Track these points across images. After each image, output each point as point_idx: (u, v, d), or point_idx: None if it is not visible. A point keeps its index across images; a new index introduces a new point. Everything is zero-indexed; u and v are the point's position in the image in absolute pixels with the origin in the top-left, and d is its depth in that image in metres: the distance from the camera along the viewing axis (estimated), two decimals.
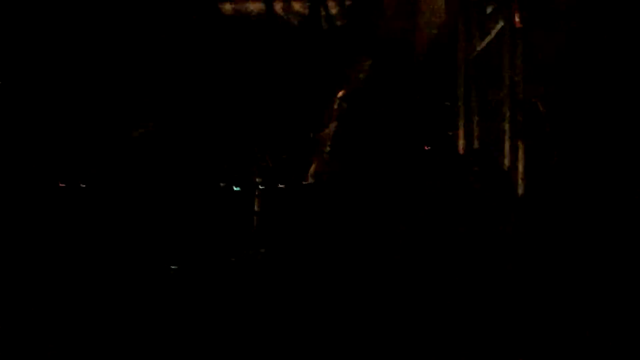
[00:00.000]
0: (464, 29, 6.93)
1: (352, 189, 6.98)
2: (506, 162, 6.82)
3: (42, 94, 7.85)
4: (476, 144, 6.96)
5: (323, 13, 9.40)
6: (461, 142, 6.91)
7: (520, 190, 6.78)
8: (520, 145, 6.86)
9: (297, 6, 9.57)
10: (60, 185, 7.20)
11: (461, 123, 6.93)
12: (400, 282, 6.32)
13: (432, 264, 6.49)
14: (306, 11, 9.40)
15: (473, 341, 5.88)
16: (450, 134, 7.18)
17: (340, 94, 7.61)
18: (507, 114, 6.86)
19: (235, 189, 7.54)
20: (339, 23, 9.43)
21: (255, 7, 9.64)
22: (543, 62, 6.73)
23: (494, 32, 6.98)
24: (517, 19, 6.80)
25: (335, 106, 7.59)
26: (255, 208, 7.39)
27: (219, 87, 8.45)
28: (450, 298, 6.25)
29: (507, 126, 6.85)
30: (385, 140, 7.34)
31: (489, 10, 7.07)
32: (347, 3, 9.27)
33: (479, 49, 7.00)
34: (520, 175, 6.80)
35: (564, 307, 6.23)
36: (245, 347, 5.98)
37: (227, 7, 9.54)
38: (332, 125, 7.53)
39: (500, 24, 6.92)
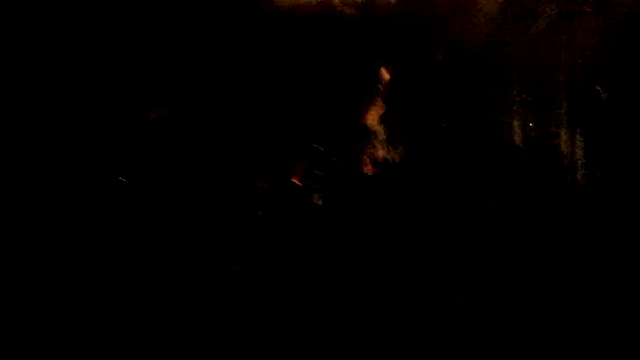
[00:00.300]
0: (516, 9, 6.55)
1: (407, 180, 6.72)
2: (564, 150, 6.47)
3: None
4: (533, 134, 6.60)
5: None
6: (517, 132, 6.55)
7: (580, 180, 6.45)
8: (579, 133, 6.52)
9: None
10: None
11: (516, 110, 6.57)
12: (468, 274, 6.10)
13: (494, 254, 6.24)
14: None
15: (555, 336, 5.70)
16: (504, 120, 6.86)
17: (386, 77, 7.28)
18: (565, 101, 6.51)
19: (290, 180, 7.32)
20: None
21: None
22: (603, 46, 6.37)
23: (549, 11, 6.59)
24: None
25: (384, 92, 7.29)
26: (317, 201, 7.16)
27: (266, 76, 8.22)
28: (516, 289, 6.02)
29: (564, 113, 6.50)
30: (437, 129, 7.06)
31: None
32: None
33: (531, 31, 6.60)
34: (579, 166, 6.48)
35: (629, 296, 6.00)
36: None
37: None
38: (381, 113, 7.25)
39: (555, 4, 6.54)
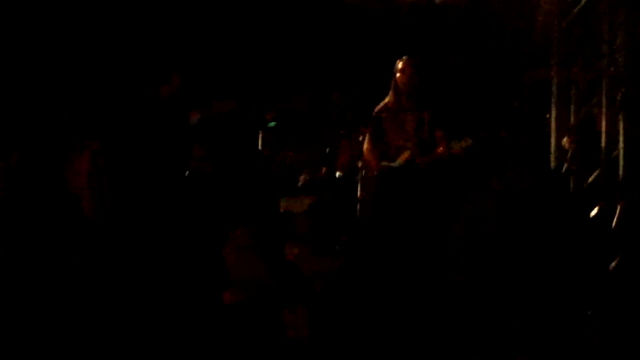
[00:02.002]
0: None
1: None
2: (603, 138, 6.13)
3: None
4: (572, 120, 6.30)
5: None
6: (553, 118, 6.29)
7: (620, 171, 6.08)
8: (621, 119, 6.13)
9: None
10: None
11: (554, 99, 6.30)
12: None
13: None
14: None
15: None
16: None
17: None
18: (605, 86, 6.15)
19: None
20: None
21: None
22: None
23: None
24: None
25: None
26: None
27: None
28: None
29: (604, 97, 6.14)
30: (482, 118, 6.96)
31: None
32: None
33: (575, 11, 6.28)
34: (621, 154, 6.10)
35: None
36: None
37: None
38: None
39: None
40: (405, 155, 6.77)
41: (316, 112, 8.89)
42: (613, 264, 6.17)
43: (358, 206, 7.97)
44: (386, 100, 6.91)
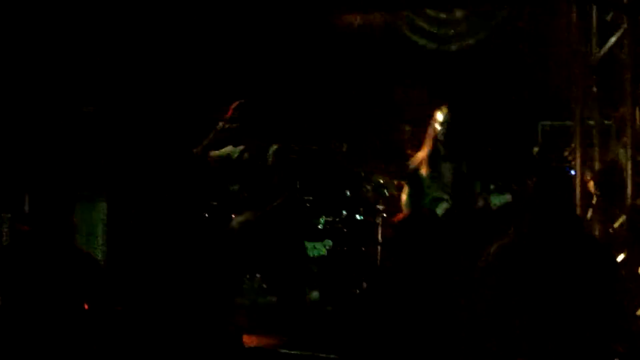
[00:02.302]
0: (578, 36, 6.22)
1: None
2: (629, 184, 6.08)
3: None
4: (597, 165, 6.25)
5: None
6: (578, 162, 6.23)
7: None
8: None
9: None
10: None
11: (578, 144, 6.25)
12: None
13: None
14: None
15: None
16: (567, 154, 6.53)
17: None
18: (629, 129, 6.10)
19: None
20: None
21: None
22: None
23: (614, 38, 6.20)
24: None
25: None
26: None
27: None
28: None
29: (629, 142, 6.10)
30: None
31: (609, 17, 6.28)
32: None
33: (596, 57, 6.25)
34: None
35: None
36: None
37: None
38: None
39: (623, 28, 6.14)
40: (444, 207, 6.72)
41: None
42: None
43: (379, 250, 7.94)
44: (424, 150, 6.89)
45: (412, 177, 7.01)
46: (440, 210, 6.74)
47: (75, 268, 4.46)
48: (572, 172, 6.14)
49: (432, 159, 6.88)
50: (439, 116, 6.83)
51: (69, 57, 8.58)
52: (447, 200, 6.73)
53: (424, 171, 6.84)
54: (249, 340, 5.93)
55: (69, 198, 4.61)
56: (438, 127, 6.83)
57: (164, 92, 8.75)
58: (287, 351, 6.14)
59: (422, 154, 6.96)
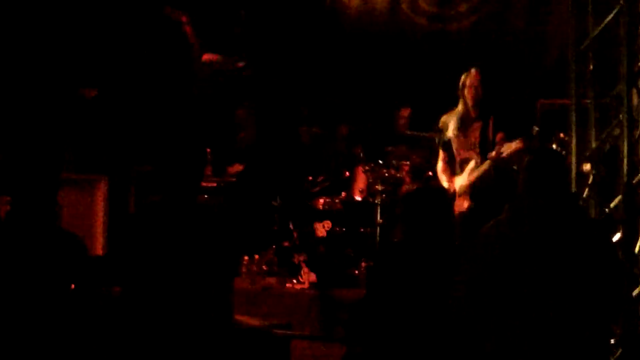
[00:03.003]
0: (575, 15, 6.15)
1: None
2: (624, 163, 6.02)
3: None
4: (593, 144, 6.19)
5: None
6: (573, 141, 6.18)
7: None
8: None
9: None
10: None
11: (573, 123, 6.20)
12: None
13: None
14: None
15: None
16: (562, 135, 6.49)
17: None
18: (625, 109, 6.04)
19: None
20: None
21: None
22: None
23: (610, 16, 6.13)
24: None
25: None
26: None
27: None
28: None
29: (625, 122, 6.04)
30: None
31: None
32: None
33: (592, 35, 6.18)
34: None
35: None
36: None
37: None
38: None
39: (619, 5, 6.07)
40: (471, 166, 7.11)
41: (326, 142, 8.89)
42: (636, 290, 6.09)
43: (378, 231, 7.92)
44: (456, 111, 7.27)
45: (445, 144, 7.39)
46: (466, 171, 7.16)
47: (56, 248, 4.43)
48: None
49: (462, 121, 7.19)
50: (468, 79, 7.14)
51: (68, 39, 8.57)
52: (472, 159, 7.15)
53: (452, 134, 7.13)
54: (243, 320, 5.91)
55: (50, 179, 4.56)
56: (467, 89, 7.19)
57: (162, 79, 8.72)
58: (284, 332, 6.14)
59: (452, 115, 7.34)
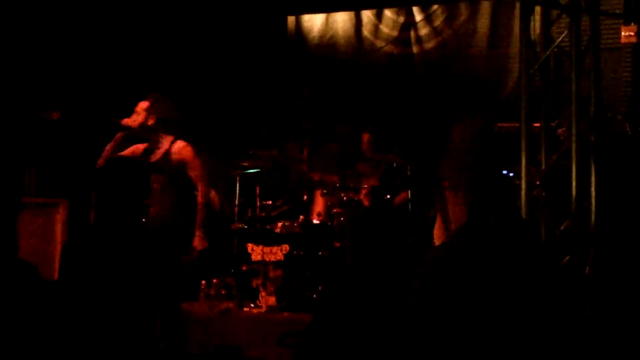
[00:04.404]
0: (524, 38, 6.18)
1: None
2: (574, 186, 6.05)
3: None
4: (543, 165, 6.22)
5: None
6: (523, 164, 6.20)
7: (592, 218, 5.99)
8: (592, 167, 6.05)
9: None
10: None
11: (524, 146, 6.22)
12: None
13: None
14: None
15: None
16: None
17: None
18: (574, 132, 6.07)
19: None
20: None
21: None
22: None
23: (557, 41, 6.17)
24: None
25: None
26: None
27: None
28: None
29: (574, 145, 6.06)
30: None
31: (553, 15, 6.26)
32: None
33: (541, 59, 6.21)
34: (592, 202, 6.02)
35: None
36: None
37: None
38: None
39: (565, 31, 6.11)
40: None
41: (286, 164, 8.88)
42: (586, 312, 6.10)
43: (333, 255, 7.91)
44: None
45: None
46: None
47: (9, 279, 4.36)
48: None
49: None
50: None
51: (30, 61, 8.55)
52: None
53: None
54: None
55: (9, 206, 4.49)
56: None
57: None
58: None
59: None
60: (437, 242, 6.49)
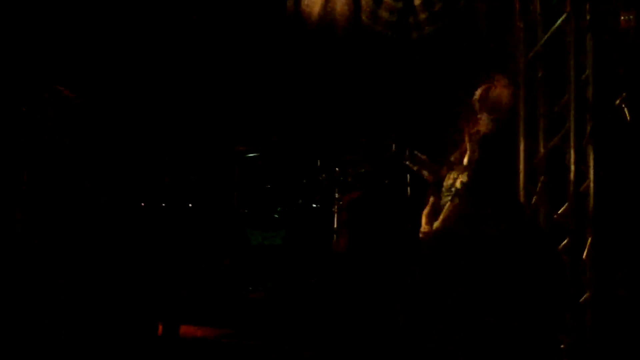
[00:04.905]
0: (522, 23, 6.18)
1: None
2: (572, 171, 6.05)
3: None
4: (541, 151, 6.22)
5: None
6: (522, 149, 6.20)
7: (591, 203, 5.99)
8: (590, 151, 6.04)
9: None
10: None
11: (522, 131, 6.22)
12: None
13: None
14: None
15: None
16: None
17: None
18: (572, 117, 6.07)
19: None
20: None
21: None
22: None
23: (557, 24, 6.16)
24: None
25: None
26: None
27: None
28: None
29: (572, 131, 6.06)
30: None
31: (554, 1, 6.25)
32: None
33: (540, 43, 6.20)
34: (590, 186, 6.01)
35: None
36: None
37: None
38: None
39: (565, 14, 6.10)
40: None
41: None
42: (584, 297, 6.10)
43: (334, 239, 7.90)
44: None
45: None
46: None
47: None
48: None
49: None
50: None
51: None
52: None
53: None
54: (190, 331, 5.90)
55: None
56: None
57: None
58: (232, 341, 6.13)
59: None
60: (425, 225, 6.54)
